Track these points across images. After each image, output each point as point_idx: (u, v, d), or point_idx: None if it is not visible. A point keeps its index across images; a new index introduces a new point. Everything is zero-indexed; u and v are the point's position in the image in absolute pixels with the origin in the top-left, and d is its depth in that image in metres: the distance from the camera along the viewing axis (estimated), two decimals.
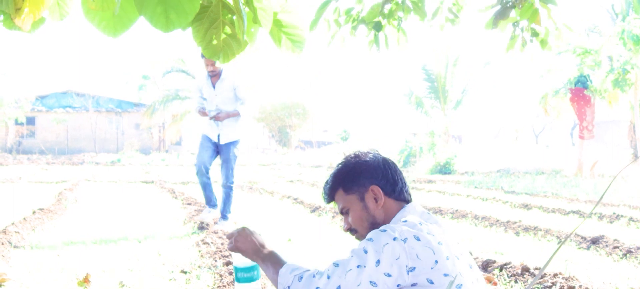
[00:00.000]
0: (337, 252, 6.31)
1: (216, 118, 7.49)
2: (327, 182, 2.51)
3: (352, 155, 2.49)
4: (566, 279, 4.66)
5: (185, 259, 5.75)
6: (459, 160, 26.02)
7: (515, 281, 4.82)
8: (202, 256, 5.84)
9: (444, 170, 24.12)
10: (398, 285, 2.12)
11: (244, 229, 2.55)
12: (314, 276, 2.20)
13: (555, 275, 4.79)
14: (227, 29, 2.54)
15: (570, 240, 6.83)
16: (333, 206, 2.53)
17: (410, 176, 21.92)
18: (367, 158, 2.45)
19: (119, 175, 21.16)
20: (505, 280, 4.89)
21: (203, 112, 7.63)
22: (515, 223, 8.12)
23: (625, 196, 12.11)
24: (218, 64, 7.38)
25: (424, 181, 19.14)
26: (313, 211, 9.95)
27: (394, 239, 2.13)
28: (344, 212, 2.47)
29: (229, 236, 2.56)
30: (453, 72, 34.35)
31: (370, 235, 2.20)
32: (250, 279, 2.61)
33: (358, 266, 2.13)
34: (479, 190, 15.52)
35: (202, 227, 7.78)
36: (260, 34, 2.75)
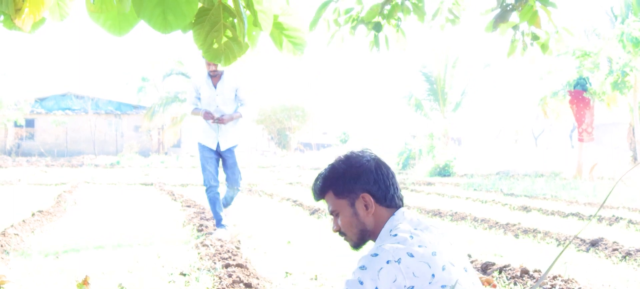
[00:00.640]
0: (337, 254, 6.31)
1: (220, 121, 7.11)
2: (317, 181, 2.45)
3: (345, 157, 2.43)
4: (565, 282, 4.66)
5: (184, 262, 5.75)
6: (458, 162, 26.02)
7: (515, 284, 4.82)
8: (201, 258, 5.84)
9: (443, 172, 24.12)
10: None
11: None
12: None
13: (554, 278, 4.79)
14: (228, 32, 2.54)
15: (571, 242, 6.83)
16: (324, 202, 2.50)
17: (409, 178, 21.92)
18: (361, 162, 2.39)
19: (118, 177, 21.16)
20: (504, 282, 4.89)
21: (207, 114, 7.14)
22: (514, 225, 8.12)
23: (624, 198, 12.11)
24: (220, 66, 7.21)
25: (423, 184, 19.14)
26: (312, 213, 9.95)
27: (388, 262, 2.09)
28: (334, 214, 2.43)
29: None
30: (452, 73, 34.35)
31: (362, 261, 2.15)
32: None
33: None
34: (478, 192, 15.52)
35: (201, 229, 7.77)
36: (260, 37, 2.75)
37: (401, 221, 2.29)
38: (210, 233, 7.29)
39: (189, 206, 10.79)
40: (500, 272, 5.12)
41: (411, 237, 2.16)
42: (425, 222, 2.30)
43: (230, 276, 4.84)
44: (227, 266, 5.26)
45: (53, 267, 5.50)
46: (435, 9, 6.04)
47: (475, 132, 58.78)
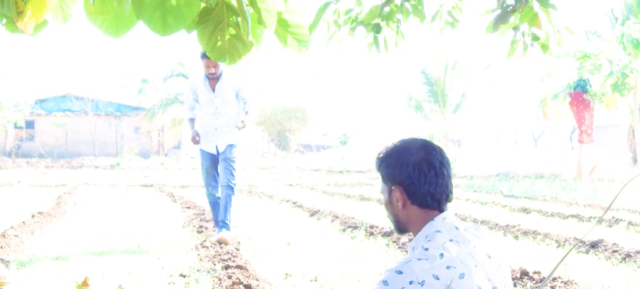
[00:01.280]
0: (336, 255, 6.32)
1: (240, 125, 6.91)
2: (378, 155, 2.34)
3: (398, 142, 2.30)
4: (565, 283, 4.66)
5: (184, 263, 5.75)
6: (459, 163, 26.02)
7: (515, 285, 4.82)
8: (201, 260, 5.84)
9: None
10: None
11: None
12: None
13: (554, 279, 4.80)
14: (232, 31, 2.54)
15: (570, 244, 6.84)
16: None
17: None
18: (403, 153, 2.25)
19: (118, 179, 21.15)
20: None
21: (194, 139, 7.03)
22: (514, 227, 8.13)
23: (624, 200, 12.11)
24: (220, 66, 7.04)
25: None
26: (312, 214, 9.95)
27: (411, 283, 2.02)
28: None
29: None
30: (452, 75, 34.39)
31: (385, 275, 2.07)
32: None
33: None
34: (478, 193, 15.52)
35: (201, 231, 7.77)
36: (265, 35, 2.76)
37: (439, 229, 2.19)
38: (211, 235, 7.26)
39: (188, 208, 10.79)
40: None
41: (441, 256, 2.07)
42: (463, 233, 2.18)
43: (230, 277, 4.84)
44: (226, 267, 5.26)
45: (53, 268, 5.50)
46: (435, 12, 6.04)
47: (475, 134, 58.80)
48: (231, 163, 7.07)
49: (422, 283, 2.02)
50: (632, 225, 8.45)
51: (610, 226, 8.59)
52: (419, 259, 2.08)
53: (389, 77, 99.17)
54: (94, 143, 46.46)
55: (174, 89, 42.90)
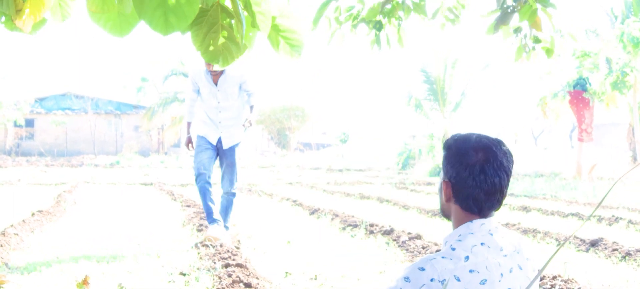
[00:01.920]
0: (336, 254, 6.32)
1: (247, 124, 6.68)
2: (447, 139, 2.32)
3: (460, 136, 2.28)
4: (565, 282, 4.66)
5: (184, 262, 5.76)
6: None
7: None
8: (201, 258, 5.84)
9: None
10: None
11: None
12: None
13: (554, 277, 4.80)
14: (226, 33, 2.54)
15: (570, 242, 6.84)
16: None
17: (409, 178, 21.93)
18: (460, 151, 2.21)
19: (118, 177, 21.16)
20: None
21: (188, 143, 6.88)
22: (514, 225, 8.13)
23: (624, 198, 12.12)
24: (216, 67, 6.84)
25: (423, 184, 19.14)
26: (312, 213, 9.95)
27: (432, 280, 2.02)
28: None
29: None
30: (452, 74, 34.34)
31: (407, 272, 2.06)
32: None
33: None
34: None
35: (200, 229, 7.77)
36: (257, 38, 2.75)
37: (473, 231, 2.15)
38: (207, 229, 7.09)
39: (188, 206, 10.79)
40: None
41: (466, 258, 2.06)
42: (498, 240, 2.13)
43: (230, 275, 4.84)
44: (226, 266, 5.26)
45: (53, 267, 5.50)
46: (436, 8, 6.04)
47: (475, 132, 58.70)
48: (234, 169, 6.82)
49: (442, 282, 2.01)
50: (632, 223, 8.45)
51: (610, 225, 8.59)
52: (443, 257, 2.07)
53: (388, 76, 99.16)
54: (93, 142, 46.47)
55: (173, 88, 42.88)
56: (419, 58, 49.32)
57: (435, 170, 24.31)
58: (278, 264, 5.75)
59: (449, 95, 34.45)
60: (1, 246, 6.17)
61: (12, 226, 7.43)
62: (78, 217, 9.44)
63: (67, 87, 53.01)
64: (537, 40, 5.48)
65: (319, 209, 10.06)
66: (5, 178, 19.58)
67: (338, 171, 27.96)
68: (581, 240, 6.78)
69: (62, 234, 7.62)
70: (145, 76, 50.42)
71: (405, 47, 5.97)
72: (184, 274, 5.18)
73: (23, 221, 7.97)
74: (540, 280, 4.79)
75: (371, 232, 7.60)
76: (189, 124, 7.08)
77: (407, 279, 2.05)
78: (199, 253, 6.08)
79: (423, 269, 2.04)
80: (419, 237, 6.93)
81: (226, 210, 6.85)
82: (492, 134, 2.38)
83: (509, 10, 5.40)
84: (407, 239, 6.84)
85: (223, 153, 6.82)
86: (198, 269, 5.32)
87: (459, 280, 2.02)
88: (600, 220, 8.94)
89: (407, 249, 6.36)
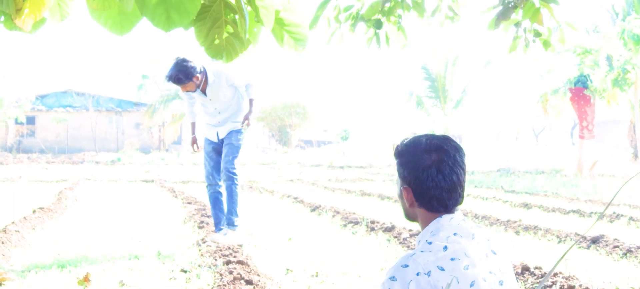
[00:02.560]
0: (337, 251, 6.32)
1: (247, 124, 6.56)
2: (395, 146, 2.32)
3: (410, 140, 2.27)
4: (566, 279, 4.66)
5: (185, 259, 5.76)
6: None
7: (516, 281, 4.82)
8: (202, 255, 5.84)
9: None
10: None
11: None
12: None
13: (555, 275, 4.80)
14: (230, 28, 2.53)
15: (571, 239, 6.84)
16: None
17: None
18: (411, 154, 2.23)
19: (119, 174, 21.16)
20: None
21: (193, 145, 6.84)
22: (515, 222, 8.13)
23: (625, 196, 12.11)
24: (196, 80, 6.40)
25: None
26: (313, 210, 9.95)
27: (417, 274, 2.04)
28: None
29: None
30: (453, 71, 34.39)
31: (392, 272, 2.09)
32: None
33: None
34: (479, 189, 15.52)
35: (202, 226, 7.78)
36: (261, 33, 2.75)
37: (444, 225, 2.20)
38: (212, 233, 7.15)
39: (189, 203, 10.80)
40: None
41: (445, 249, 2.10)
42: (469, 229, 2.19)
43: (231, 272, 4.84)
44: (228, 263, 5.27)
45: (54, 264, 5.50)
46: (435, 6, 6.03)
47: (476, 129, 58.77)
48: (232, 148, 6.61)
49: (428, 274, 2.04)
50: (633, 220, 8.45)
51: (611, 222, 8.59)
52: (422, 252, 2.10)
53: (389, 73, 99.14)
54: (94, 139, 46.48)
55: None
56: (420, 56, 49.27)
57: None
58: (279, 262, 5.75)
59: (449, 92, 34.49)
60: (2, 243, 6.17)
61: (13, 223, 7.43)
62: (79, 214, 9.44)
63: (68, 84, 53.08)
64: (537, 34, 5.47)
65: (320, 206, 10.06)
66: (6, 175, 19.59)
67: (339, 169, 27.96)
68: (582, 237, 6.77)
69: (63, 231, 7.62)
70: (146, 73, 50.42)
71: (405, 46, 5.97)
72: (185, 272, 5.18)
73: (24, 218, 7.98)
74: (541, 277, 4.79)
75: (372, 229, 7.60)
76: (193, 124, 7.01)
77: (393, 278, 2.07)
78: (200, 250, 6.08)
79: (406, 265, 2.07)
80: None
81: (228, 200, 6.62)
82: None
83: (510, 5, 5.40)
84: (408, 236, 6.84)
85: (223, 142, 6.74)
86: (199, 266, 5.32)
87: (443, 270, 2.05)
88: (601, 217, 8.93)
89: (408, 247, 6.36)
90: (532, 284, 4.72)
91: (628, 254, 5.88)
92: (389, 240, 6.89)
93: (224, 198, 6.70)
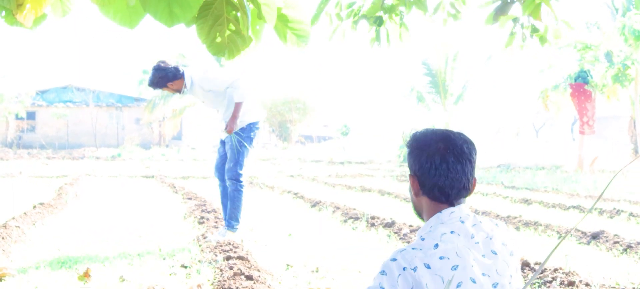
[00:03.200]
0: (337, 247, 6.33)
1: (228, 131, 6.54)
2: (405, 137, 2.34)
3: (419, 132, 2.28)
4: (566, 274, 4.67)
5: (185, 254, 5.76)
6: None
7: (521, 280, 4.82)
8: (202, 251, 5.85)
9: None
10: None
11: None
12: None
13: (555, 270, 4.81)
14: (232, 26, 2.52)
15: (571, 235, 6.85)
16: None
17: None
18: (419, 143, 2.24)
19: (120, 170, 21.16)
20: None
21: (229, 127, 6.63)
22: (515, 218, 8.13)
23: (625, 191, 12.12)
24: (179, 81, 6.65)
25: None
26: (313, 206, 9.96)
27: (404, 269, 2.05)
28: None
29: None
30: (453, 67, 34.36)
31: (383, 266, 2.10)
32: None
33: None
34: (479, 185, 15.52)
35: (202, 222, 7.78)
36: (264, 30, 2.75)
37: (443, 221, 2.19)
38: (214, 230, 7.17)
39: (190, 199, 10.80)
40: None
41: (436, 246, 2.10)
42: (469, 227, 2.17)
43: (231, 268, 4.85)
44: (228, 258, 5.27)
45: (54, 260, 5.51)
46: (437, 3, 6.02)
47: (477, 125, 58.77)
48: (233, 154, 6.60)
49: (414, 269, 2.05)
50: (633, 216, 8.45)
51: (611, 218, 8.59)
52: (413, 248, 2.11)
53: (390, 68, 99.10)
54: (95, 134, 46.45)
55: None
56: (421, 51, 49.27)
57: None
58: (279, 257, 5.76)
59: (450, 87, 34.46)
60: (2, 238, 6.17)
61: (13, 218, 7.44)
62: (79, 210, 9.44)
63: (68, 79, 53.15)
64: (534, 30, 5.46)
65: (320, 202, 10.06)
66: (6, 170, 19.59)
67: (339, 164, 27.96)
68: (582, 233, 6.79)
69: (63, 226, 7.63)
70: (146, 68, 50.37)
71: (407, 43, 5.96)
72: (186, 267, 5.19)
73: (24, 213, 7.98)
74: (541, 272, 4.79)
75: (372, 225, 7.60)
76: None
77: (383, 272, 2.09)
78: (200, 246, 6.09)
79: (394, 259, 2.09)
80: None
81: (231, 203, 6.61)
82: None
83: (509, 1, 5.39)
84: (409, 231, 6.84)
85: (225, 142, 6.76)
86: (199, 261, 5.33)
87: (429, 267, 2.06)
88: (601, 212, 8.94)
89: (408, 242, 6.36)
90: (529, 279, 4.72)
91: (628, 250, 5.88)
92: (389, 236, 6.90)
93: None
